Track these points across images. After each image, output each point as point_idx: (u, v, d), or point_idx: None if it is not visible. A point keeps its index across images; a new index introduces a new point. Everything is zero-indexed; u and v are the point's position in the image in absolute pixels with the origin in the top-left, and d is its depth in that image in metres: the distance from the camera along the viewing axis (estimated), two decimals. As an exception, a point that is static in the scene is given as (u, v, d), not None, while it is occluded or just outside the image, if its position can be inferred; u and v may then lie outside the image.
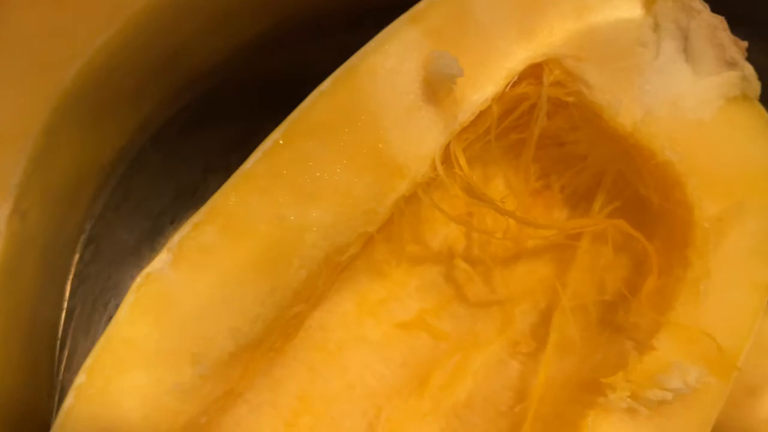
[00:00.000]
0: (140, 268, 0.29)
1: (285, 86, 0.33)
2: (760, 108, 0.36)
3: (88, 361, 0.26)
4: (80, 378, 0.26)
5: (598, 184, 0.38)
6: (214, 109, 0.39)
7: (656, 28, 0.35)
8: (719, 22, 0.36)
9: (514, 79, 0.32)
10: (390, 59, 0.30)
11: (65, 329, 0.33)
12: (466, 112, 0.32)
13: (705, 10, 0.35)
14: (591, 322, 0.37)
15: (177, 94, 0.37)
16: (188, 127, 0.38)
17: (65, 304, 0.33)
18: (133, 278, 0.28)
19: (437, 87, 0.30)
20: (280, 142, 0.28)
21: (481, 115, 0.33)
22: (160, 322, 0.26)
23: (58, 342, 0.33)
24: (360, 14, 0.37)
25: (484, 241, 0.39)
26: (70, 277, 0.33)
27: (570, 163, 0.39)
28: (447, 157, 0.34)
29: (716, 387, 0.32)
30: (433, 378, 0.37)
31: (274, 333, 0.29)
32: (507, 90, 0.33)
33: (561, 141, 0.38)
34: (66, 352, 0.32)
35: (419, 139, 0.31)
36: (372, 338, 0.38)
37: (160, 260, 0.27)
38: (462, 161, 0.33)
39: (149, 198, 0.36)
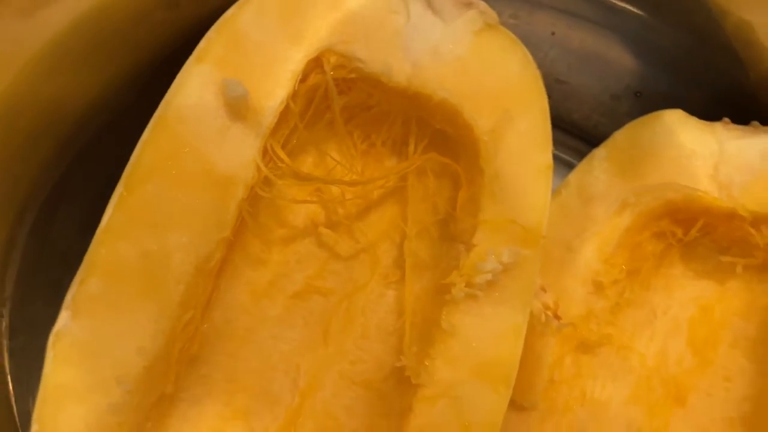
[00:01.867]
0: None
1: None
2: (504, 30, 0.44)
3: (35, 412, 0.32)
4: (34, 427, 0.32)
5: (408, 131, 0.46)
6: (80, 176, 0.45)
7: (402, -6, 0.43)
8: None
9: (299, 77, 0.40)
10: (190, 97, 0.37)
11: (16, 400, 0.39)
12: (268, 117, 0.38)
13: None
14: (434, 240, 0.45)
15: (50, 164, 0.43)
16: (61, 197, 0.44)
17: (9, 378, 0.39)
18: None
19: (236, 107, 0.37)
20: (124, 193, 0.35)
21: (285, 113, 0.40)
22: (80, 363, 0.33)
23: (15, 412, 0.39)
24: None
25: (338, 206, 0.47)
26: (6, 357, 0.39)
27: (381, 121, 0.46)
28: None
29: (531, 256, 0.41)
30: (332, 327, 0.45)
31: (177, 340, 0.36)
32: (297, 88, 0.40)
33: (367, 106, 0.46)
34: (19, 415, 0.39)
35: (238, 151, 0.38)
36: (273, 314, 0.45)
37: (63, 318, 0.33)
38: (281, 154, 0.40)
39: (52, 269, 0.42)
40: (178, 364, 0.37)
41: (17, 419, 0.39)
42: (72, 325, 0.33)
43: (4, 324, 0.40)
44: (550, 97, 0.53)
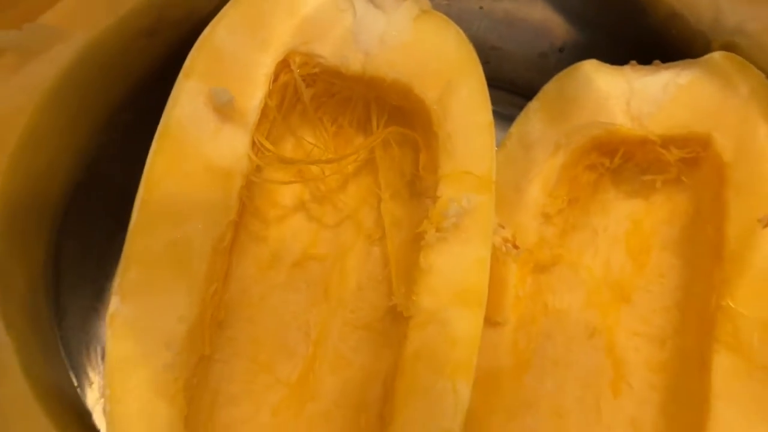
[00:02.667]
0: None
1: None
2: (437, 14, 0.51)
3: (105, 380, 0.39)
4: (106, 392, 0.39)
5: (370, 111, 0.54)
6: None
7: (347, -4, 0.50)
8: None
9: (272, 78, 0.47)
10: (185, 109, 0.44)
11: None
12: (252, 115, 0.46)
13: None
14: (405, 199, 0.53)
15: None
16: (86, 208, 0.50)
17: (68, 365, 0.46)
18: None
19: (224, 111, 0.44)
20: (145, 196, 0.42)
21: (265, 109, 0.48)
22: (134, 336, 0.40)
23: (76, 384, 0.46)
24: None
25: (319, 183, 0.54)
26: (60, 348, 0.46)
27: (345, 105, 0.54)
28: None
29: (486, 199, 0.48)
30: (331, 285, 0.53)
31: (207, 308, 0.44)
32: (271, 87, 0.47)
33: (331, 94, 0.53)
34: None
35: (231, 147, 0.45)
36: (279, 281, 0.53)
37: (114, 303, 0.40)
38: (267, 145, 0.47)
39: (90, 271, 0.49)
40: (210, 329, 0.44)
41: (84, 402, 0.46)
42: (122, 307, 0.40)
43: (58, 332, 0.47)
44: (488, 62, 0.60)
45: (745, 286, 0.44)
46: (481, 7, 0.60)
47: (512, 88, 0.66)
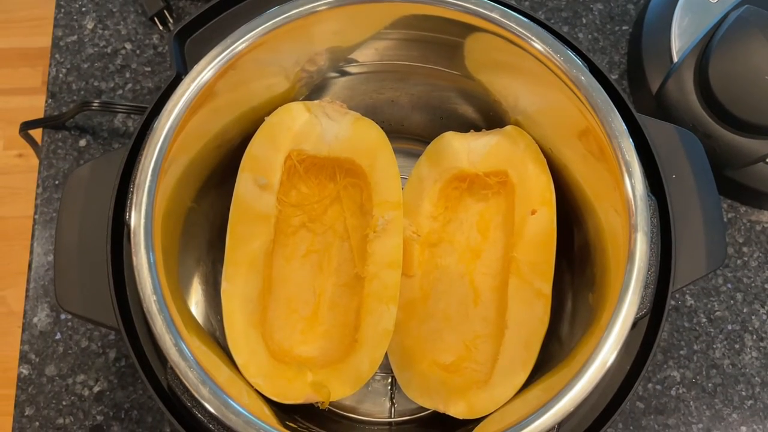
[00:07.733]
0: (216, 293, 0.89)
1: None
2: (366, 119, 0.95)
3: (224, 320, 0.85)
4: (225, 324, 0.85)
5: (335, 171, 0.98)
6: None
7: (316, 115, 0.94)
8: (330, 102, 0.95)
9: (283, 165, 0.91)
10: (243, 188, 0.88)
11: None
12: (276, 185, 0.89)
13: (328, 103, 0.94)
14: (359, 216, 0.95)
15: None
16: (189, 240, 0.96)
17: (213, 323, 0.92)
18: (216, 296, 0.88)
19: (263, 187, 0.89)
20: (230, 230, 0.87)
21: (282, 181, 0.92)
22: (234, 300, 0.85)
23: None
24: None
25: (312, 211, 0.99)
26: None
27: (322, 170, 0.95)
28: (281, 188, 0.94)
29: (398, 213, 0.90)
30: (324, 266, 0.97)
31: (265, 282, 0.88)
32: (283, 169, 0.92)
33: (313, 164, 0.98)
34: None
35: (267, 203, 0.89)
36: (296, 267, 0.96)
37: (223, 284, 0.84)
38: (284, 198, 0.92)
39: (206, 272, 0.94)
40: (267, 292, 0.90)
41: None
42: (227, 286, 0.86)
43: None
44: (402, 125, 1.05)
45: (521, 245, 0.90)
46: (392, 101, 1.05)
47: (419, 138, 1.11)
